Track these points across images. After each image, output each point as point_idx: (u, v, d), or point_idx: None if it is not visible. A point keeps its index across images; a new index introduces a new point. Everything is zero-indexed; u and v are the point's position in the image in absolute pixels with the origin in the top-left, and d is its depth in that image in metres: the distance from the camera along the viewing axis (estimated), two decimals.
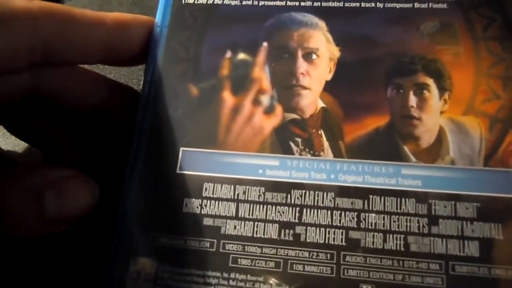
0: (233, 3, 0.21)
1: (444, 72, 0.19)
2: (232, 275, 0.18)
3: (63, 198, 0.18)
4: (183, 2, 0.22)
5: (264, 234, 0.18)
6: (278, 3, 0.21)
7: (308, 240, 0.18)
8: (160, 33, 0.21)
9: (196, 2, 0.22)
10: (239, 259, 0.18)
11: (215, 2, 0.21)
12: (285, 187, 0.18)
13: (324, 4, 0.21)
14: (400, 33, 0.20)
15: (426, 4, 0.20)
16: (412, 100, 0.19)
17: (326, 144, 0.19)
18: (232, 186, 0.19)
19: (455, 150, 0.18)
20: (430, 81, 0.19)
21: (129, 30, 0.20)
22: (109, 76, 0.25)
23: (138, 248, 0.18)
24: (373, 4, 0.20)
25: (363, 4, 0.20)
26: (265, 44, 0.20)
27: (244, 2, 0.21)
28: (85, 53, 0.20)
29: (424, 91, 0.19)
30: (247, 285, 0.17)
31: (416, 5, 0.20)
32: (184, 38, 0.21)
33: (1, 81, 0.19)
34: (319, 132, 0.19)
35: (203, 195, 0.19)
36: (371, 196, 0.18)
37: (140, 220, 0.19)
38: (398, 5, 0.20)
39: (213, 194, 0.19)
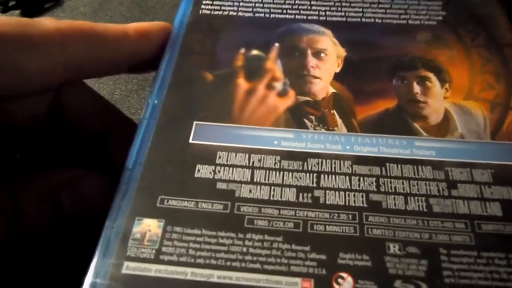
0: (246, 14, 0.23)
1: (442, 68, 0.21)
2: (248, 236, 0.16)
3: (79, 198, 0.18)
4: (200, 12, 0.24)
5: (281, 197, 0.17)
6: (287, 16, 0.23)
7: (328, 203, 0.17)
8: (177, 34, 0.23)
9: (212, 13, 0.24)
10: (255, 220, 0.17)
11: (230, 14, 0.24)
12: (301, 156, 0.18)
13: (329, 18, 0.23)
14: (399, 40, 0.22)
15: (419, 21, 0.23)
16: (417, 88, 0.20)
17: (339, 121, 0.19)
18: (247, 155, 0.18)
19: (462, 127, 0.19)
20: (431, 75, 0.21)
21: (150, 38, 0.21)
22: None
23: (144, 210, 0.17)
24: (372, 20, 0.23)
25: (363, 20, 0.23)
26: (276, 44, 0.22)
27: (256, 14, 0.23)
28: (112, 65, 0.21)
29: (427, 82, 0.20)
30: (264, 245, 0.16)
31: (410, 21, 0.23)
32: (200, 37, 0.22)
33: (34, 98, 0.19)
34: (332, 111, 0.20)
35: (217, 162, 0.18)
36: (387, 164, 0.18)
37: (147, 183, 0.17)
38: (394, 21, 0.23)
39: (227, 162, 0.18)
